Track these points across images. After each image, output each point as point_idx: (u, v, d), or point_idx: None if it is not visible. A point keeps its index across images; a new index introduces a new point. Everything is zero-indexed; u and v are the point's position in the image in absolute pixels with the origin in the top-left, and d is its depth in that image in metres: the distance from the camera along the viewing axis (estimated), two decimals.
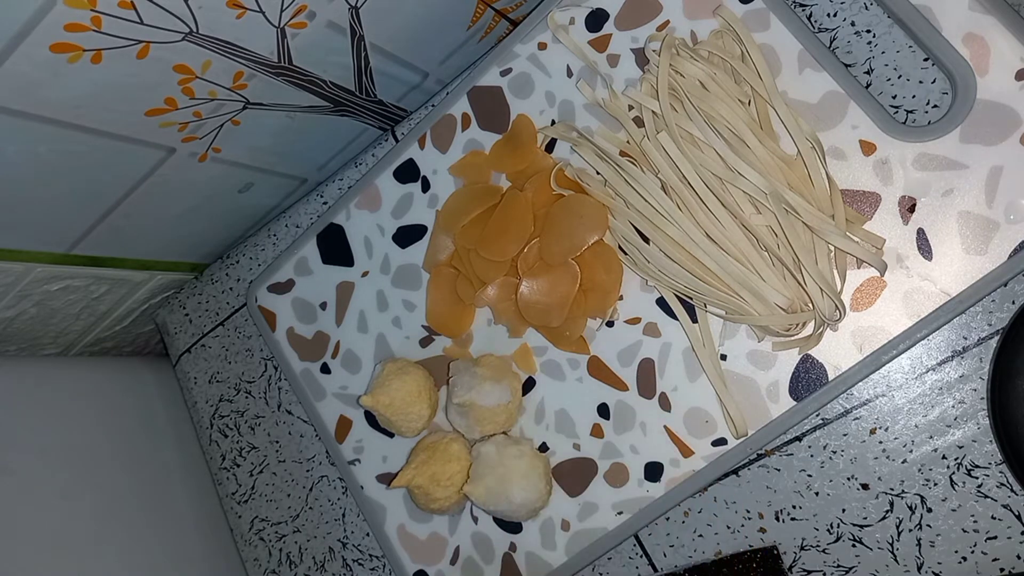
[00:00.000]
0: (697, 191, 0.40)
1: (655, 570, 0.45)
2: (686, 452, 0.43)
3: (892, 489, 0.40)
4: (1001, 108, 0.38)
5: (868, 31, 0.41)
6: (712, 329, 0.43)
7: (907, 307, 0.39)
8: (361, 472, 0.52)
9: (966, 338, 0.39)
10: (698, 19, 0.43)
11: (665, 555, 0.45)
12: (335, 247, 0.54)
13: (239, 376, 0.61)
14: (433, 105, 0.54)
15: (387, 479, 0.52)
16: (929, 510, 0.39)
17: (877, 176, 0.40)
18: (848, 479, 0.41)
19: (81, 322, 0.62)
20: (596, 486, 0.45)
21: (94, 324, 0.64)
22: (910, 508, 0.40)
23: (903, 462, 0.40)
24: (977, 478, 0.39)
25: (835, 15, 0.42)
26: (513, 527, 0.47)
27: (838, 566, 0.41)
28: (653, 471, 0.44)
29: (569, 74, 0.47)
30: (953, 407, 0.39)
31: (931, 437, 0.40)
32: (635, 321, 0.45)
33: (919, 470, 0.40)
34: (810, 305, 0.39)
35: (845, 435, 0.41)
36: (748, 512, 0.43)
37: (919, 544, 0.40)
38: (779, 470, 0.42)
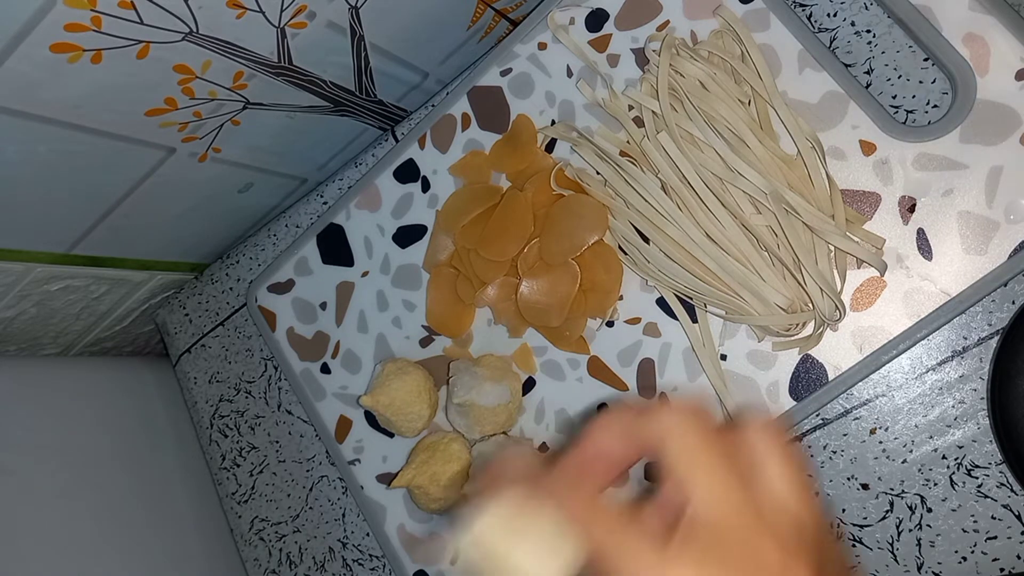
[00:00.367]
0: (697, 191, 0.40)
1: None
2: None
3: (892, 489, 0.40)
4: (1001, 108, 0.38)
5: (868, 31, 0.41)
6: (712, 329, 0.43)
7: (907, 307, 0.39)
8: (361, 472, 0.52)
9: (966, 338, 0.39)
10: (698, 19, 0.43)
11: None
12: (335, 247, 0.54)
13: (239, 376, 0.61)
14: (433, 105, 0.54)
15: (387, 479, 0.52)
16: (929, 510, 0.39)
17: (877, 176, 0.40)
18: (848, 479, 0.41)
19: (81, 322, 0.62)
20: None
21: (94, 324, 0.64)
22: (910, 508, 0.40)
23: (903, 462, 0.40)
24: (977, 478, 0.39)
25: (835, 15, 0.42)
26: None
27: None
28: (653, 471, 0.44)
29: (569, 74, 0.47)
30: (953, 407, 0.39)
31: (931, 437, 0.40)
32: (635, 321, 0.45)
33: (919, 470, 0.40)
34: (810, 305, 0.39)
35: (845, 435, 0.41)
36: None
37: (919, 544, 0.40)
38: None
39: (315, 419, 0.54)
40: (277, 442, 0.59)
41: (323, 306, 0.55)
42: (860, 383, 0.40)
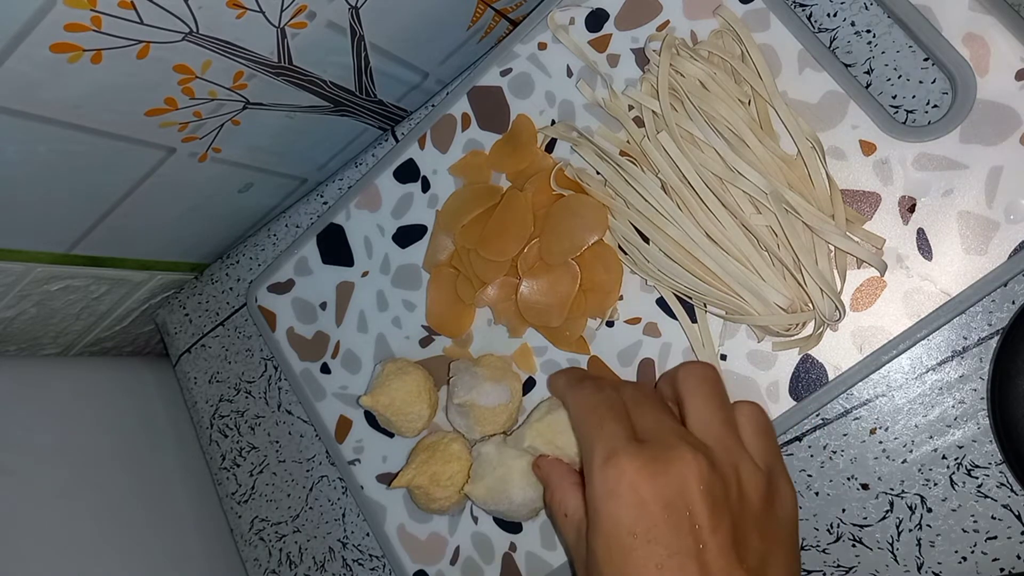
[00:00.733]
0: (697, 191, 0.40)
1: None
2: None
3: (892, 489, 0.40)
4: (1001, 108, 0.38)
5: (868, 31, 0.41)
6: (712, 329, 0.43)
7: (907, 307, 0.39)
8: (361, 472, 0.52)
9: (966, 338, 0.39)
10: (698, 19, 0.43)
11: None
12: (335, 247, 0.54)
13: (239, 376, 0.61)
14: (433, 105, 0.54)
15: (387, 479, 0.52)
16: (929, 510, 0.39)
17: (877, 176, 0.40)
18: (848, 479, 0.41)
19: (81, 322, 0.62)
20: None
21: (94, 324, 0.64)
22: (910, 508, 0.40)
23: (903, 462, 0.40)
24: (977, 478, 0.39)
25: (835, 15, 0.42)
26: (513, 527, 0.47)
27: (838, 566, 0.41)
28: None
29: (569, 74, 0.47)
30: (953, 407, 0.39)
31: (931, 437, 0.40)
32: (635, 321, 0.45)
33: (919, 470, 0.40)
34: (810, 305, 0.39)
35: (845, 435, 0.41)
36: None
37: (919, 544, 0.40)
38: None
39: (315, 419, 0.54)
40: (277, 442, 0.59)
41: (323, 306, 0.55)
42: (860, 383, 0.40)
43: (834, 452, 0.41)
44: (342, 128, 0.56)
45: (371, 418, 0.53)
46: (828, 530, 0.41)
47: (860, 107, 0.40)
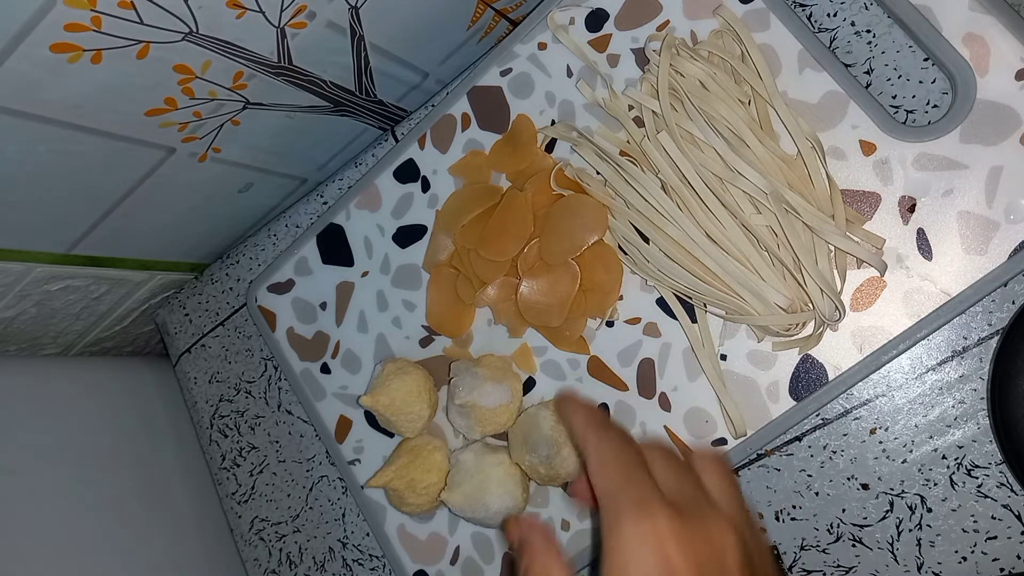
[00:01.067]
0: (697, 191, 0.40)
1: None
2: (686, 452, 0.43)
3: (892, 489, 0.40)
4: (1001, 108, 0.38)
5: (868, 31, 0.41)
6: (712, 329, 0.43)
7: (907, 307, 0.39)
8: (361, 472, 0.52)
9: (966, 338, 0.39)
10: (698, 19, 0.43)
11: None
12: (335, 247, 0.54)
13: (239, 376, 0.61)
14: (433, 105, 0.54)
15: None
16: (929, 510, 0.39)
17: (877, 176, 0.40)
18: (848, 479, 0.41)
19: (81, 322, 0.62)
20: None
21: (94, 324, 0.64)
22: (910, 508, 0.40)
23: (903, 462, 0.40)
24: (977, 478, 0.39)
25: (835, 15, 0.42)
26: None
27: (838, 566, 0.41)
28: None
29: (569, 74, 0.47)
30: (953, 407, 0.39)
31: (931, 437, 0.40)
32: (635, 321, 0.45)
33: (919, 470, 0.40)
34: (810, 305, 0.39)
35: (845, 435, 0.41)
36: None
37: (919, 544, 0.40)
38: (779, 470, 0.42)
39: (315, 419, 0.54)
40: (277, 442, 0.59)
41: (323, 306, 0.55)
42: (860, 383, 0.40)
43: (834, 452, 0.41)
44: (342, 128, 0.56)
45: (371, 418, 0.53)
46: (828, 530, 0.41)
47: (860, 107, 0.40)
